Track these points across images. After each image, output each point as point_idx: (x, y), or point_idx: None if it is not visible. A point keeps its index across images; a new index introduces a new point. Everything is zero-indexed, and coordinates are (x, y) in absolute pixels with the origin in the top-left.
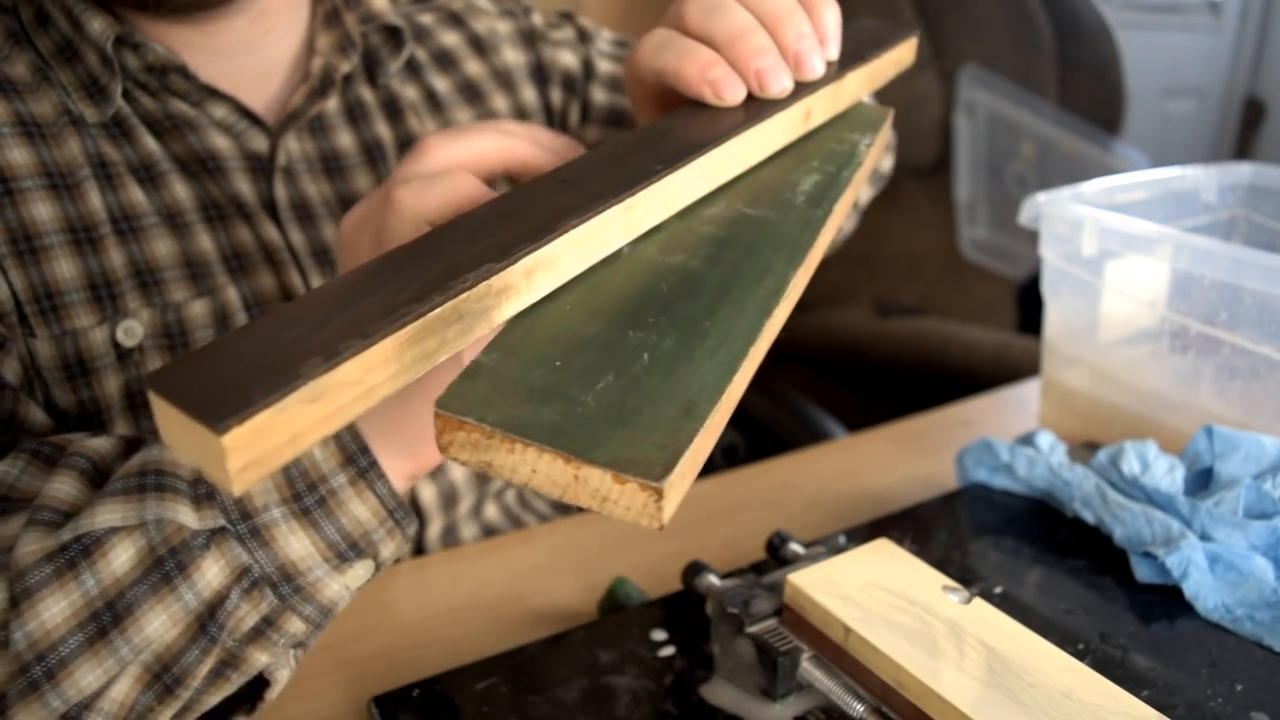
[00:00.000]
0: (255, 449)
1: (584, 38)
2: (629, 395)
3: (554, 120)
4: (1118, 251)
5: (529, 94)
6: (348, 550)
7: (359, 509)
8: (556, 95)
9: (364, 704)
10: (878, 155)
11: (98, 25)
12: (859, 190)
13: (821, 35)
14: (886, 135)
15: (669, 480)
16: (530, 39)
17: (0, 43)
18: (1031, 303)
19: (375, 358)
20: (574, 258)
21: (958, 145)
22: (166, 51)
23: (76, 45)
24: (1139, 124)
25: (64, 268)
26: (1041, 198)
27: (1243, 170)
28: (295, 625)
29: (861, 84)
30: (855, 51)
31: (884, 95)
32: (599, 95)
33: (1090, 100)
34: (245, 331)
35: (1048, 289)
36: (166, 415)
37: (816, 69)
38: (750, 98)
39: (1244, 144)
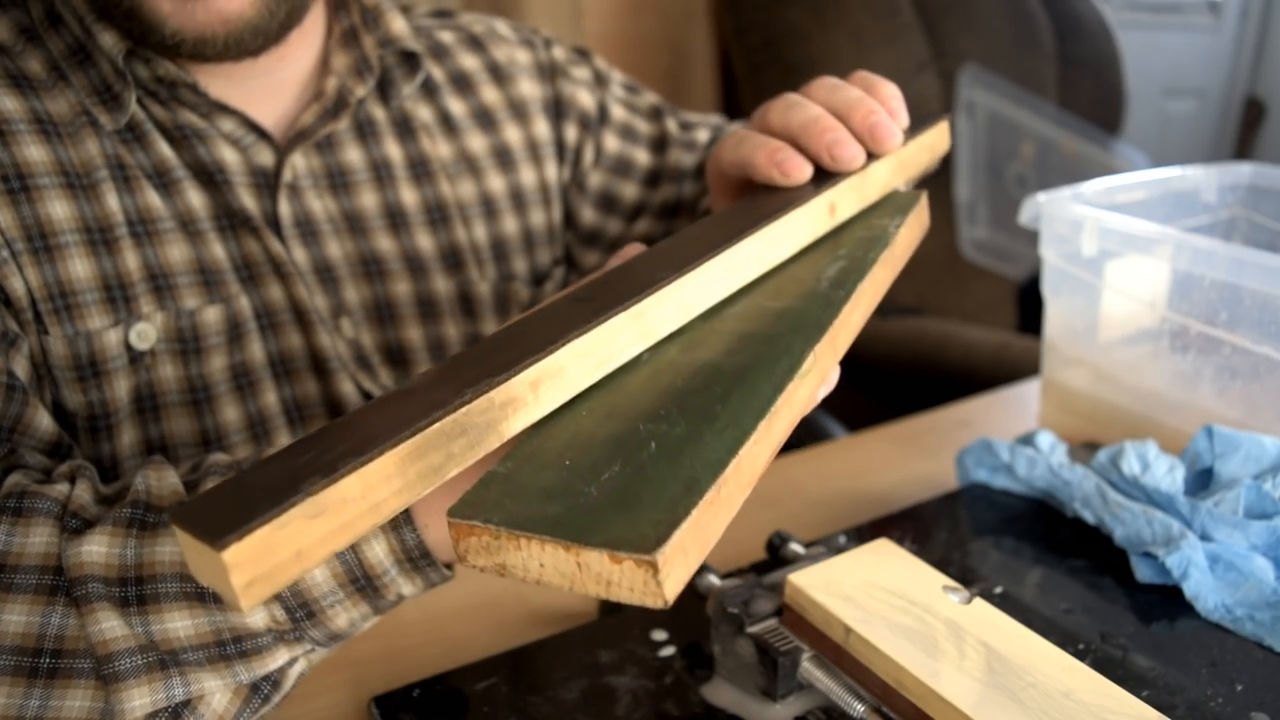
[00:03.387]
0: (259, 565)
1: (600, 80)
2: (633, 481)
3: (567, 156)
4: (1118, 251)
5: (542, 127)
6: (362, 580)
7: (378, 546)
8: (572, 132)
9: (364, 704)
10: (912, 237)
11: (109, 39)
12: (894, 270)
13: (890, 110)
14: (923, 217)
15: (663, 552)
16: (551, 73)
17: (13, 38)
18: (1031, 303)
19: (376, 473)
20: (583, 367)
21: (958, 145)
22: (176, 68)
23: (90, 50)
24: (1139, 124)
25: (79, 267)
26: (1041, 198)
27: (1243, 170)
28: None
29: (891, 173)
30: None
31: None
32: (610, 142)
33: (1090, 100)
34: (260, 464)
35: (1048, 289)
36: (186, 544)
37: (893, 136)
38: (808, 184)
39: (1244, 144)
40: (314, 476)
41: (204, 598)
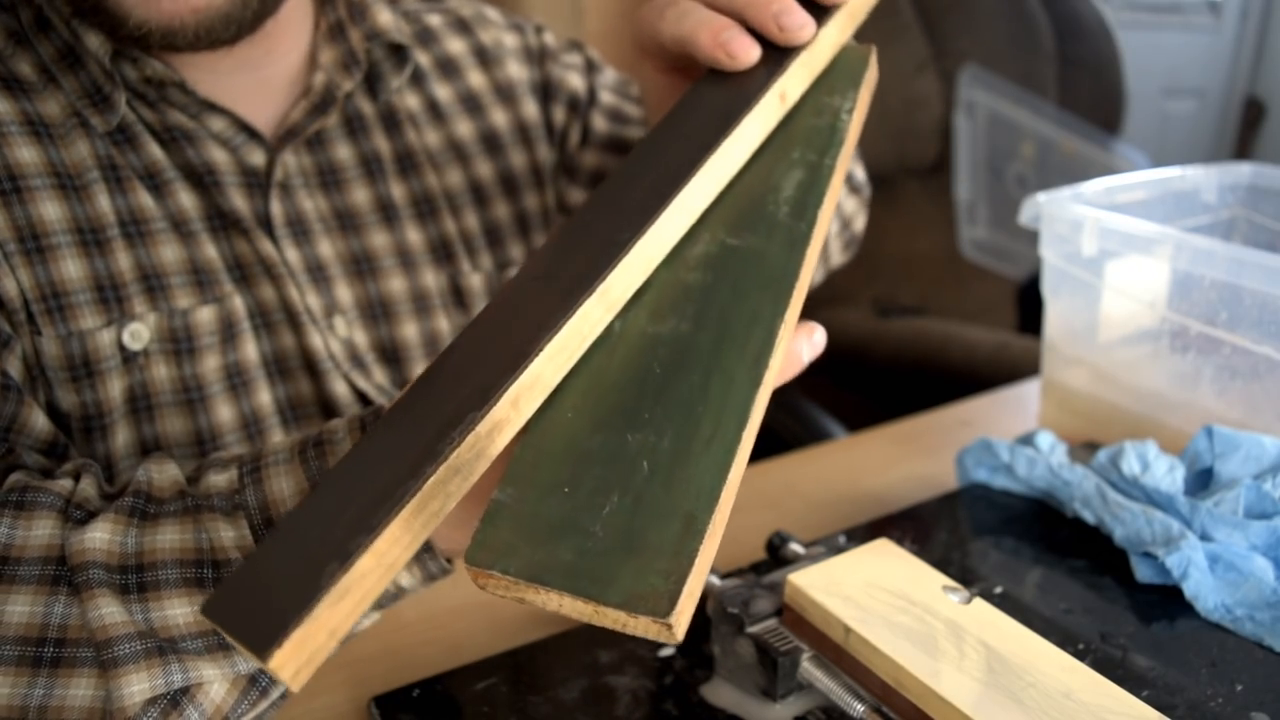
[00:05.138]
0: (301, 655)
1: (591, 68)
2: (635, 516)
3: (555, 138)
4: (1118, 251)
5: (530, 109)
6: None
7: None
8: (560, 114)
9: (364, 704)
10: (863, 112)
11: (94, 40)
12: (849, 157)
13: None
14: (873, 77)
15: (676, 611)
16: (540, 57)
17: (2, 42)
18: (1031, 303)
19: (385, 543)
20: (557, 364)
21: (958, 145)
22: (164, 67)
23: (79, 53)
24: (1139, 124)
25: (70, 268)
26: (1041, 198)
27: (1243, 170)
28: None
29: (840, 29)
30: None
31: (885, 94)
32: (600, 122)
33: (1090, 100)
34: (269, 547)
35: (1048, 289)
36: (226, 634)
37: None
38: (749, 72)
39: (1244, 144)
40: (332, 564)
41: (204, 584)
